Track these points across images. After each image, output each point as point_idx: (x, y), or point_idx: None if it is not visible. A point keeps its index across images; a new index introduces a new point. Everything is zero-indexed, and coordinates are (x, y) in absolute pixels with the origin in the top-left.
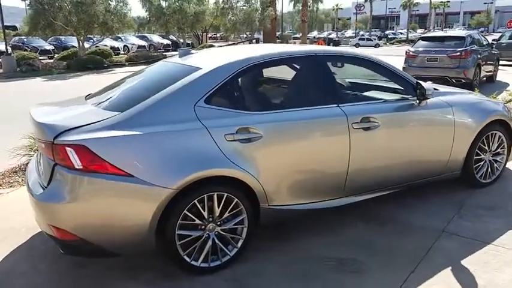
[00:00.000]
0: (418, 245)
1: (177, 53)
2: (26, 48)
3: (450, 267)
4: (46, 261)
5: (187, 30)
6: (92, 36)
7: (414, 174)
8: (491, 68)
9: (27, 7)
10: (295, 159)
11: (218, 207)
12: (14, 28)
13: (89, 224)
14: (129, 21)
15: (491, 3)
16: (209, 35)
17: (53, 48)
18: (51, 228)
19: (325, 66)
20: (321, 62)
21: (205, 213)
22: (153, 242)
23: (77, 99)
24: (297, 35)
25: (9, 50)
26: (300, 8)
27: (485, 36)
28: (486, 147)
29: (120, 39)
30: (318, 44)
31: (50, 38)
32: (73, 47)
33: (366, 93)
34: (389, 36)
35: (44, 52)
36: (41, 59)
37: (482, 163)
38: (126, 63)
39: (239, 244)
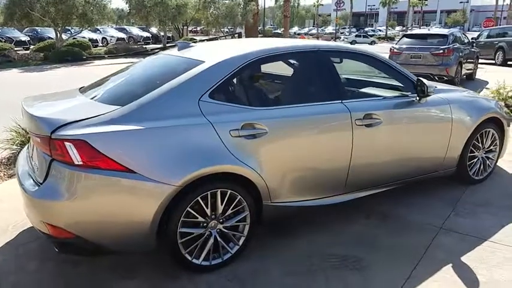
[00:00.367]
0: (417, 242)
1: (157, 46)
2: (0, 39)
3: (451, 264)
4: (36, 260)
5: (169, 23)
6: (69, 27)
7: (412, 171)
8: (471, 66)
9: None
10: (298, 155)
11: (221, 204)
12: None
13: (88, 222)
14: (109, 13)
15: (467, 2)
16: (189, 29)
17: (29, 39)
18: (46, 226)
19: (328, 61)
20: (324, 57)
21: (208, 211)
22: (154, 240)
23: (70, 92)
24: (278, 30)
25: None
26: (282, 3)
27: (466, 34)
28: (480, 145)
29: (98, 31)
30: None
31: (26, 29)
32: (49, 38)
33: (367, 90)
34: (368, 34)
35: (20, 43)
36: (16, 50)
37: (475, 160)
38: (106, 56)
39: (241, 241)
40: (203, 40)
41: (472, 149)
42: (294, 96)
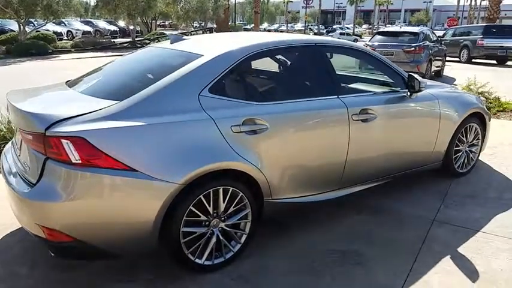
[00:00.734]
0: (413, 235)
1: (126, 40)
2: None
3: (449, 256)
4: (26, 265)
5: (138, 17)
6: (32, 20)
7: (403, 165)
8: (439, 63)
9: None
10: (298, 151)
11: (223, 202)
12: None
13: (87, 224)
14: (75, 5)
15: (430, 2)
16: (157, 23)
17: None
18: (42, 229)
19: (325, 56)
20: (321, 52)
21: (210, 209)
22: (156, 240)
23: (57, 86)
24: (248, 26)
25: None
26: None
27: (435, 33)
28: (464, 139)
29: (63, 24)
30: None
31: None
32: (11, 30)
33: (357, 85)
34: (337, 31)
35: None
36: None
37: (460, 154)
38: (72, 50)
39: (242, 239)
40: (172, 34)
41: (457, 143)
42: (293, 91)
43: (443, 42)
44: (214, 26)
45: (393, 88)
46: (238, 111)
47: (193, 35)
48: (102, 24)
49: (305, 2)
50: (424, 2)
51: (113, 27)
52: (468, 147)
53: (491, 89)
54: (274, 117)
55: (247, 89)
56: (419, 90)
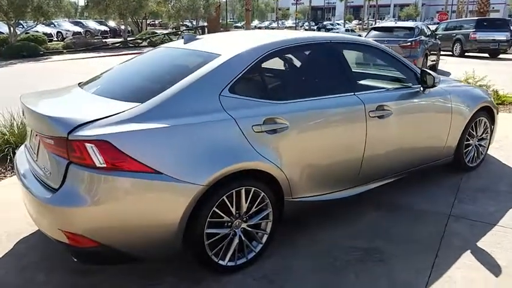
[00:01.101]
0: (431, 230)
1: (117, 40)
2: None
3: (469, 250)
4: (43, 272)
5: (129, 16)
6: (22, 21)
7: (417, 161)
8: (434, 57)
9: None
10: (317, 149)
11: (246, 202)
12: None
13: (112, 228)
14: (66, 6)
15: None
16: (147, 22)
17: None
18: (65, 234)
19: (341, 53)
20: (337, 49)
21: (233, 210)
22: (180, 243)
23: (71, 88)
24: (238, 24)
25: None
26: None
27: (429, 27)
28: (474, 133)
29: (52, 25)
30: None
31: None
32: (0, 33)
33: (370, 82)
34: (327, 27)
35: None
36: None
37: (470, 148)
38: (64, 51)
39: (264, 239)
40: (163, 33)
41: (468, 137)
42: (310, 89)
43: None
44: (205, 24)
45: (405, 84)
46: (259, 111)
47: (185, 33)
48: (92, 24)
49: None
50: None
51: (103, 28)
52: (477, 141)
53: (489, 82)
54: (294, 115)
55: (266, 87)
56: (434, 86)
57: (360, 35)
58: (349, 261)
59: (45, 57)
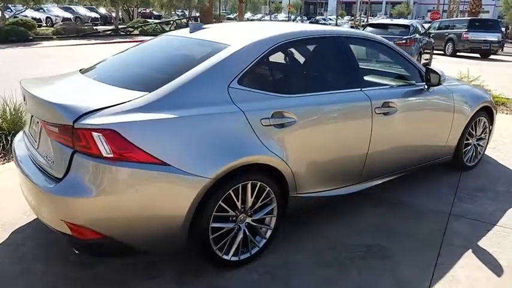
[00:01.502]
0: (433, 228)
1: (108, 28)
2: None
3: (471, 250)
4: (41, 262)
5: (121, 4)
6: (10, 5)
7: (418, 159)
8: (428, 56)
9: None
10: (323, 145)
11: (251, 196)
12: None
13: (117, 220)
14: None
15: None
16: (139, 11)
17: None
18: (68, 225)
19: (348, 48)
20: (345, 44)
21: (238, 204)
22: (186, 237)
23: (73, 74)
24: (231, 16)
25: None
26: None
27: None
28: (474, 132)
29: (42, 10)
30: None
31: None
32: None
33: (377, 78)
34: (320, 22)
35: None
36: None
37: (469, 147)
38: (54, 37)
39: (267, 235)
40: (160, 23)
41: (468, 136)
42: (318, 83)
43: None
44: (198, 14)
45: (409, 81)
46: (267, 104)
47: (178, 23)
48: (82, 10)
49: None
50: None
51: (93, 14)
52: (476, 140)
53: (483, 83)
54: (302, 110)
55: (274, 80)
56: (439, 84)
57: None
58: (353, 258)
59: (35, 42)
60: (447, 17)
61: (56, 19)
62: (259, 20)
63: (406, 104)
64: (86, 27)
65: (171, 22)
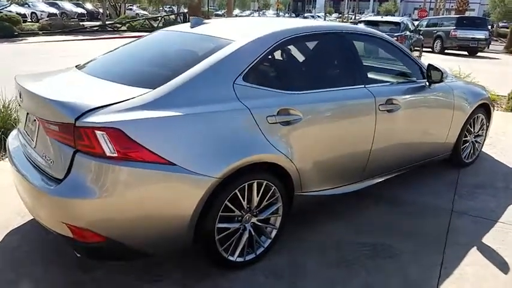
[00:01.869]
0: (436, 226)
1: (96, 23)
2: None
3: (475, 247)
4: (38, 266)
5: None
6: None
7: (419, 156)
8: (417, 53)
9: None
10: (328, 142)
11: (257, 196)
12: None
13: (121, 222)
14: None
15: None
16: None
17: None
18: (70, 228)
19: (352, 44)
20: (349, 40)
21: (244, 203)
22: (191, 238)
23: (69, 71)
24: (219, 12)
25: None
26: None
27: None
28: (472, 129)
29: (27, 5)
30: None
31: None
32: None
33: (378, 75)
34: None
35: None
36: None
37: (467, 144)
38: (40, 32)
39: (273, 235)
40: (148, 19)
41: (466, 133)
42: (323, 80)
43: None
44: (186, 10)
45: (410, 78)
46: (273, 101)
47: (166, 19)
48: (68, 6)
49: None
50: None
51: (80, 10)
52: (474, 137)
53: (473, 80)
54: (307, 107)
55: (279, 77)
56: (441, 81)
57: None
58: (359, 257)
59: (20, 38)
60: (434, 14)
61: (41, 14)
62: (248, 16)
63: (408, 101)
64: (73, 23)
65: (159, 18)
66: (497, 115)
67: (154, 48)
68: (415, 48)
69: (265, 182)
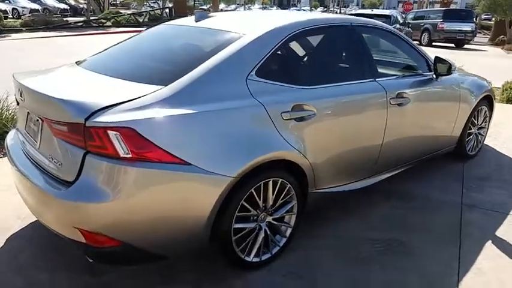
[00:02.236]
0: (448, 220)
1: (80, 19)
2: None
3: (490, 241)
4: (45, 270)
5: None
6: None
7: (427, 150)
8: None
9: None
10: (341, 138)
11: (272, 194)
12: None
13: (136, 225)
14: None
15: None
16: (109, 1)
17: None
18: (82, 233)
19: (362, 37)
20: (359, 33)
21: (260, 202)
22: (208, 240)
23: (70, 67)
24: (204, 7)
25: None
26: None
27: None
28: (476, 121)
29: (7, 1)
30: None
31: None
32: None
33: (386, 68)
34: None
35: None
36: None
37: (471, 136)
38: (23, 29)
39: (288, 233)
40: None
41: (470, 125)
42: (336, 74)
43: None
44: (171, 5)
45: (417, 71)
46: (287, 96)
47: (152, 14)
48: (50, 1)
49: None
50: None
51: (62, 5)
52: (477, 129)
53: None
54: (321, 102)
55: (292, 71)
56: (449, 74)
57: None
58: (374, 254)
59: (3, 35)
60: (418, 8)
61: (23, 10)
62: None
63: (417, 94)
64: (56, 19)
65: (144, 13)
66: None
67: (160, 43)
68: None
69: (281, 180)
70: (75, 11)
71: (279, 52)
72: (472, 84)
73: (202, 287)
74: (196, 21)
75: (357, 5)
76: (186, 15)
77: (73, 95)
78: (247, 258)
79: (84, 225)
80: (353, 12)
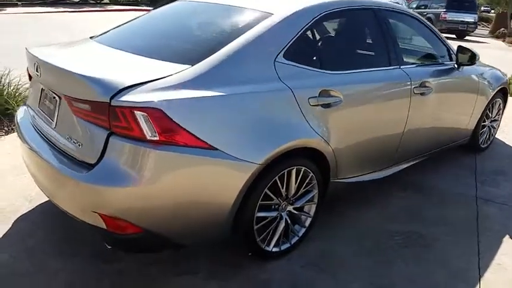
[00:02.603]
0: (465, 213)
1: None
2: None
3: (508, 235)
4: (55, 256)
5: None
6: None
7: (443, 141)
8: None
9: None
10: (364, 126)
11: (295, 183)
12: None
13: (161, 211)
14: None
15: None
16: None
17: None
18: (103, 218)
19: (389, 22)
20: (387, 18)
21: (283, 191)
22: (230, 228)
23: (86, 42)
24: None
25: None
26: None
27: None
28: (490, 114)
29: None
30: None
31: None
32: None
33: (411, 55)
34: None
35: None
36: None
37: (484, 129)
38: (19, 3)
39: (307, 223)
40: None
41: (485, 118)
42: (363, 59)
43: None
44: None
45: (439, 60)
46: (314, 81)
47: None
48: None
49: None
50: None
51: None
52: (490, 122)
53: None
54: (347, 88)
55: (319, 55)
56: (472, 64)
57: None
58: (393, 246)
59: None
60: None
61: None
62: None
63: (439, 84)
64: None
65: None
66: None
67: (180, 20)
68: None
69: (304, 168)
70: None
71: (308, 34)
72: (491, 76)
73: (217, 277)
74: None
75: None
76: None
77: (96, 72)
78: (267, 248)
79: (106, 211)
80: None
